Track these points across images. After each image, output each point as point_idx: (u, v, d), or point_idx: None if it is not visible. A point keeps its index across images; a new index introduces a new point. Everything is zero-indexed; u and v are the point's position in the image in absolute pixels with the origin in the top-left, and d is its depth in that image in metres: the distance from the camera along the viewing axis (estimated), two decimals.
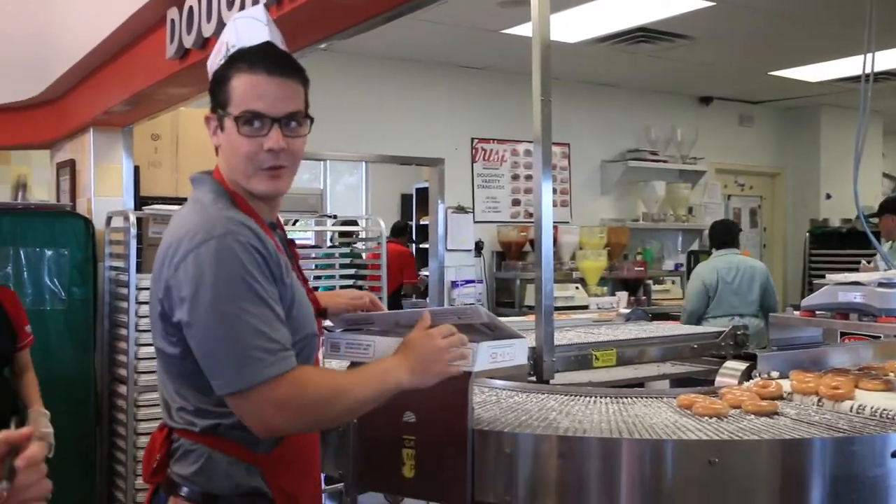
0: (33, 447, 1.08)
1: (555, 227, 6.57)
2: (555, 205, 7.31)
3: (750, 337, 3.01)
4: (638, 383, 2.81)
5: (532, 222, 3.10)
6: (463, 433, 1.72)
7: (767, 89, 8.05)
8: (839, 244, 7.72)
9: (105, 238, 4.37)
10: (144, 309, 3.96)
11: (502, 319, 1.81)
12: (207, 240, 1.53)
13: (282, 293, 1.59)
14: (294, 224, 5.17)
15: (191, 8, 2.91)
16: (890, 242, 5.45)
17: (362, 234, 4.99)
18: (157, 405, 4.02)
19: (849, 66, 6.66)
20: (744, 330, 2.94)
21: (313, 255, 4.49)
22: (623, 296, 6.73)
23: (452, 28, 5.81)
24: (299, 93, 1.66)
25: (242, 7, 2.57)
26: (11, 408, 3.22)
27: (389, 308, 2.44)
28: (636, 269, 7.25)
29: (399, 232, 8.20)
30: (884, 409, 1.78)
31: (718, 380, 2.22)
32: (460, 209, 6.91)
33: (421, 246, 8.42)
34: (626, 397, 2.07)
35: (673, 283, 7.75)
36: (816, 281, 2.41)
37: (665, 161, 7.92)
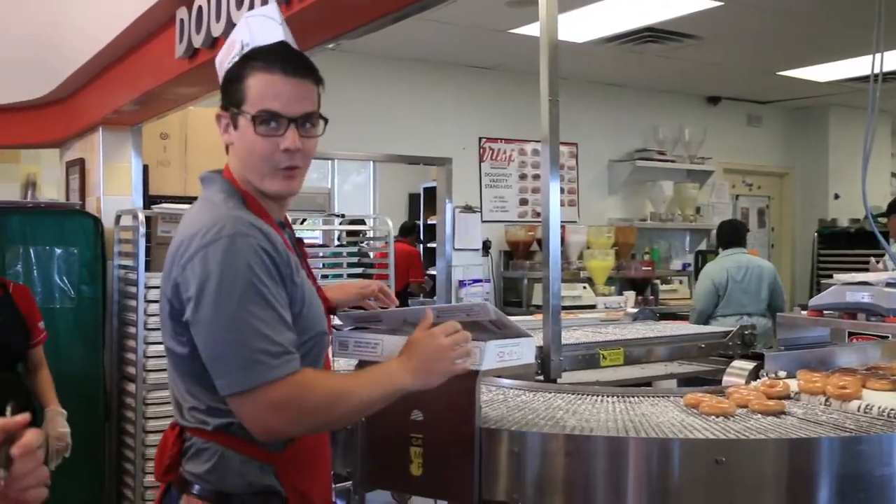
0: (28, 435, 1.08)
1: (562, 227, 6.55)
2: (562, 204, 7.29)
3: (757, 336, 3.01)
4: (645, 383, 2.81)
5: (540, 222, 3.11)
6: (470, 432, 1.72)
7: (776, 89, 8.04)
8: (847, 244, 7.71)
9: (114, 237, 4.39)
10: (153, 307, 3.97)
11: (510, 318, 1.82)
12: (216, 240, 1.53)
13: (292, 293, 1.59)
14: (302, 223, 5.19)
15: (200, 7, 2.92)
16: None
17: (370, 234, 5.01)
18: (166, 403, 4.04)
19: (857, 66, 6.65)
20: (751, 329, 2.94)
21: (321, 254, 4.51)
22: (630, 295, 6.73)
23: (460, 28, 5.82)
24: (314, 93, 1.66)
25: (252, 6, 2.58)
26: (25, 405, 3.24)
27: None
28: (644, 268, 7.24)
29: (407, 231, 8.21)
30: (891, 409, 1.78)
31: (726, 379, 2.21)
32: (468, 208, 6.91)
33: (429, 245, 8.42)
34: (633, 396, 2.07)
35: (680, 282, 7.74)
36: (824, 281, 2.41)
37: (673, 161, 7.92)
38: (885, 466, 1.65)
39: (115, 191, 4.57)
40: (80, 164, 4.84)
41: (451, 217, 6.81)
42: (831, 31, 5.93)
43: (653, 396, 2.07)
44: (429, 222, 8.51)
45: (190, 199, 3.09)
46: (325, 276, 4.36)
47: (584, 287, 6.79)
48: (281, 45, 1.72)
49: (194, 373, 1.60)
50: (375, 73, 6.48)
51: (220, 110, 1.69)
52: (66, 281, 4.28)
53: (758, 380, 2.13)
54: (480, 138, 7.08)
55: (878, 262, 3.97)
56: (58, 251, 4.28)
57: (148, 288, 3.97)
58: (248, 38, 1.71)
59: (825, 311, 2.39)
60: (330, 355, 1.84)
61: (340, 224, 4.85)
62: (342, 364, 2.09)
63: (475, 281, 6.78)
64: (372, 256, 4.87)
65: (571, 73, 6.87)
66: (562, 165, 7.17)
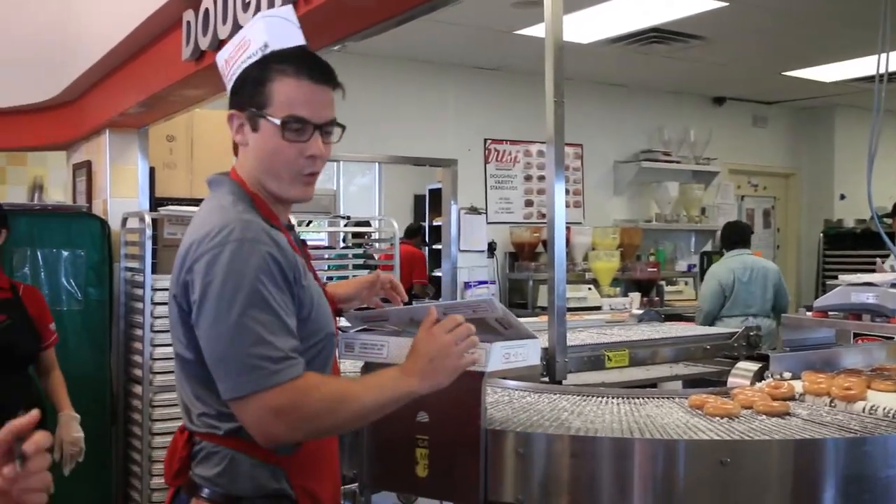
0: (38, 434, 1.09)
1: (567, 228, 6.60)
2: (568, 205, 7.32)
3: (763, 338, 3.01)
4: (651, 384, 2.81)
5: (545, 223, 3.12)
6: (476, 433, 1.73)
7: (781, 89, 8.03)
8: (853, 245, 7.69)
9: (121, 239, 4.40)
10: (160, 309, 3.98)
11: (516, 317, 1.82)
12: (224, 243, 1.53)
13: (300, 296, 1.59)
14: (308, 225, 5.20)
15: (206, 10, 2.93)
16: None
17: (375, 235, 5.02)
18: (173, 405, 4.05)
19: (863, 66, 6.64)
20: (757, 331, 2.94)
21: (326, 256, 4.52)
22: (636, 296, 6.72)
23: (466, 29, 5.82)
24: (334, 100, 1.68)
25: (258, 9, 2.59)
26: (40, 406, 3.22)
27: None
28: (649, 269, 7.24)
29: (412, 233, 8.22)
30: None
31: (731, 380, 2.22)
32: (473, 210, 6.92)
33: (434, 247, 8.43)
34: (638, 398, 2.07)
35: (686, 283, 7.74)
36: (830, 282, 2.41)
37: (678, 162, 7.91)
38: (890, 468, 1.65)
39: (121, 193, 4.58)
40: (87, 166, 4.86)
41: (456, 218, 6.82)
42: (837, 31, 5.92)
43: (658, 398, 2.08)
44: (434, 224, 8.52)
45: (196, 202, 3.09)
46: (329, 278, 4.37)
47: (590, 288, 6.79)
48: (306, 51, 1.72)
49: (203, 377, 1.60)
50: (381, 74, 6.49)
51: (233, 110, 1.67)
52: (74, 283, 4.30)
53: (763, 381, 2.14)
54: (486, 140, 7.08)
55: (883, 262, 3.97)
56: (65, 253, 4.29)
57: (154, 290, 3.99)
58: (266, 40, 1.69)
59: (830, 312, 2.39)
60: (337, 356, 1.85)
61: (346, 226, 4.87)
62: (349, 366, 2.10)
63: (480, 282, 6.78)
64: (377, 258, 4.88)
65: (577, 73, 6.87)
66: (567, 167, 7.17)
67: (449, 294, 6.75)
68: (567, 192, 6.85)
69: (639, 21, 5.69)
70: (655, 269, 7.27)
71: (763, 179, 8.98)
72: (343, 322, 1.96)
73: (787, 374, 2.17)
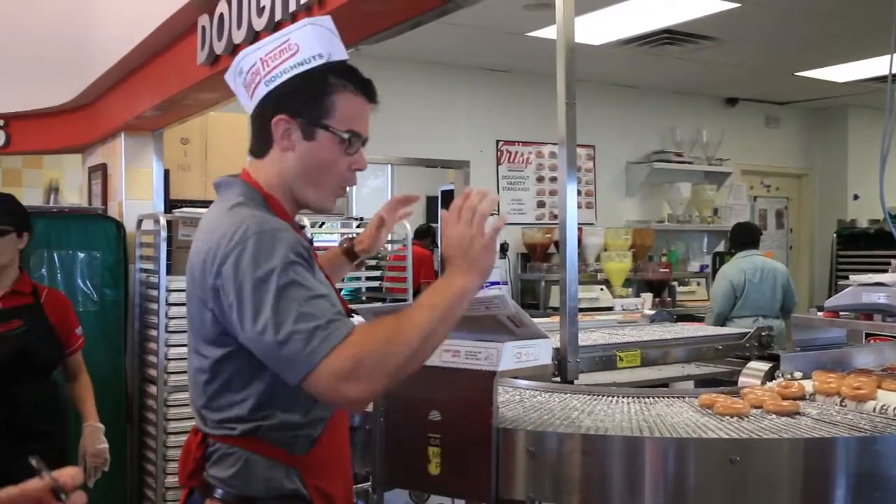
0: (78, 496, 1.08)
1: (580, 229, 6.60)
2: (580, 206, 7.33)
3: (774, 338, 3.01)
4: (662, 384, 2.82)
5: (557, 224, 3.13)
6: (488, 431, 1.75)
7: (794, 90, 8.01)
8: (867, 245, 7.66)
9: (136, 240, 4.44)
10: (174, 310, 4.02)
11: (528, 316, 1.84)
12: (244, 241, 1.53)
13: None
14: (321, 226, 5.22)
15: (221, 15, 2.96)
16: None
17: (387, 237, 5.04)
18: (187, 405, 4.07)
19: (876, 66, 6.62)
20: (769, 331, 2.94)
21: None
22: (648, 297, 6.71)
23: (478, 31, 5.85)
24: None
25: (272, 16, 2.62)
26: (60, 413, 3.20)
27: None
28: (661, 270, 7.24)
29: (422, 234, 8.24)
30: None
31: (741, 380, 2.22)
32: None
33: None
34: (648, 397, 2.09)
35: (698, 284, 7.73)
36: (843, 282, 2.41)
37: (690, 162, 7.91)
38: None
39: (136, 195, 4.62)
40: (103, 169, 4.91)
41: None
42: (849, 31, 5.91)
43: (668, 397, 2.09)
44: None
45: (210, 203, 3.15)
46: (341, 280, 4.39)
47: (602, 289, 6.80)
48: (355, 68, 1.74)
49: (223, 378, 1.61)
50: (393, 76, 6.51)
51: (283, 115, 1.66)
52: (90, 284, 4.34)
53: (773, 381, 2.14)
54: (498, 141, 7.10)
55: None
56: (81, 255, 4.33)
57: (169, 291, 4.03)
58: (320, 50, 1.68)
59: (841, 313, 2.39)
60: None
61: (358, 227, 4.89)
62: None
63: (493, 283, 6.79)
64: (388, 259, 4.90)
65: (589, 75, 6.88)
66: (579, 168, 7.18)
67: None
68: (579, 193, 6.88)
69: (651, 23, 5.69)
70: (667, 270, 7.27)
71: (776, 180, 8.96)
72: (358, 319, 1.98)
73: (797, 374, 2.17)
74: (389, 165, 8.72)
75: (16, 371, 3.05)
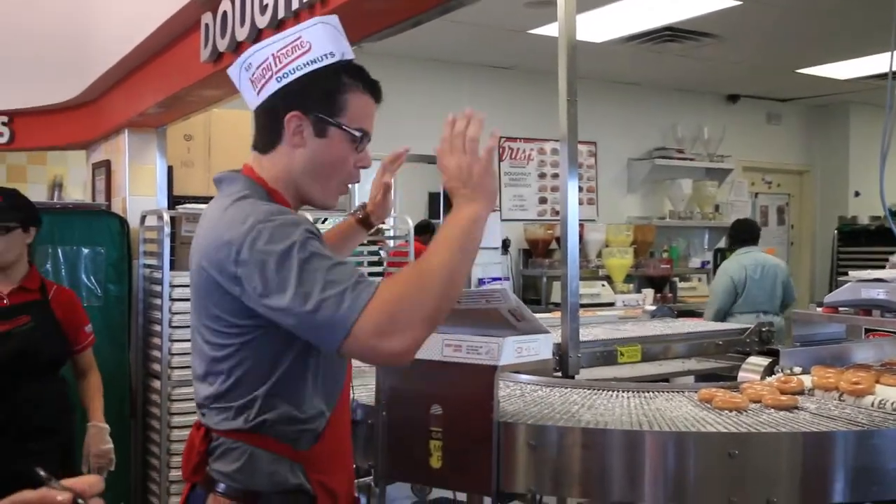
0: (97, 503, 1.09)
1: (581, 225, 6.62)
2: (581, 203, 7.35)
3: (775, 334, 3.02)
4: (663, 379, 2.83)
5: (559, 220, 3.15)
6: (488, 425, 1.76)
7: (795, 87, 8.02)
8: (868, 241, 7.68)
9: (139, 236, 4.46)
10: (178, 306, 4.04)
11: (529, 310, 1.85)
12: (254, 226, 1.53)
13: None
14: (323, 222, 5.24)
15: (224, 13, 2.98)
16: None
17: (390, 233, 5.06)
18: (190, 400, 4.07)
19: (877, 63, 6.63)
20: (769, 327, 2.96)
21: None
22: (649, 293, 6.75)
23: (480, 29, 5.86)
24: None
25: (275, 14, 2.64)
26: (66, 410, 3.18)
27: None
28: (662, 266, 7.26)
29: (422, 230, 8.25)
30: None
31: (741, 375, 2.23)
32: None
33: None
34: (648, 392, 2.10)
35: (699, 280, 7.76)
36: (844, 279, 2.42)
37: (692, 159, 7.92)
38: None
39: (140, 191, 4.64)
40: (106, 165, 4.92)
41: None
42: (850, 29, 5.92)
43: (667, 392, 2.10)
44: None
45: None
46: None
47: (603, 285, 6.82)
48: (363, 68, 1.76)
49: (240, 371, 1.61)
50: (395, 73, 6.53)
51: (296, 111, 1.67)
52: (94, 280, 4.36)
53: (773, 376, 2.16)
54: (500, 138, 7.10)
55: None
56: (85, 251, 4.35)
57: (172, 286, 4.05)
58: (332, 49, 1.70)
59: (840, 308, 2.40)
60: None
61: None
62: None
63: (494, 279, 6.82)
64: (389, 255, 4.92)
65: (591, 72, 6.89)
66: (581, 164, 7.20)
67: None
68: (581, 189, 6.90)
69: (652, 20, 5.71)
70: (668, 266, 7.29)
71: (777, 176, 8.97)
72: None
73: (797, 369, 2.18)
74: None
75: (22, 368, 3.03)
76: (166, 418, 4.05)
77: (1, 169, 6.64)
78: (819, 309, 2.49)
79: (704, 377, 2.86)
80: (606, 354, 2.53)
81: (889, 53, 2.54)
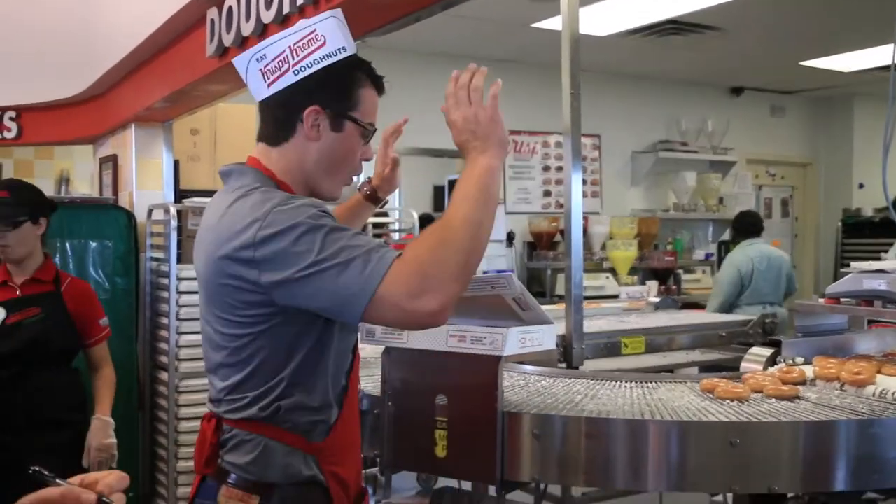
0: (119, 498, 1.10)
1: (585, 218, 6.63)
2: (585, 195, 7.34)
3: (778, 325, 3.04)
4: (667, 370, 2.84)
5: (563, 213, 3.16)
6: (493, 415, 1.77)
7: (799, 79, 8.02)
8: (872, 233, 7.68)
9: (146, 230, 4.49)
10: (185, 298, 4.07)
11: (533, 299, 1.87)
12: (268, 212, 1.53)
13: None
14: None
15: (230, 8, 2.99)
16: None
17: (395, 226, 5.08)
18: (198, 391, 4.10)
19: (881, 55, 6.63)
20: (772, 318, 2.97)
21: None
22: (653, 285, 6.74)
23: (483, 22, 5.87)
24: None
25: (280, 9, 2.66)
26: (78, 402, 3.17)
27: None
28: (666, 258, 7.27)
29: (427, 223, 8.27)
30: None
31: (744, 366, 2.25)
32: None
33: None
34: (651, 382, 2.11)
35: (703, 272, 7.76)
36: (845, 270, 2.43)
37: (696, 152, 7.93)
38: None
39: (146, 185, 4.66)
40: (113, 159, 4.95)
41: None
42: (855, 21, 5.91)
43: (670, 382, 2.12)
44: None
45: None
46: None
47: (607, 277, 6.83)
48: (370, 62, 1.78)
49: (249, 361, 1.62)
50: (400, 68, 6.53)
51: (314, 105, 1.68)
52: (102, 273, 4.39)
53: (775, 366, 2.17)
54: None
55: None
56: (93, 244, 4.39)
57: (179, 279, 4.08)
58: (344, 44, 1.71)
59: (842, 299, 2.42)
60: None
61: None
62: (369, 352, 2.16)
63: (499, 271, 6.82)
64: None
65: (594, 65, 6.89)
66: (584, 157, 7.20)
67: None
68: (585, 182, 6.90)
69: (656, 13, 5.71)
70: (673, 258, 7.30)
71: (781, 169, 8.97)
72: None
73: (799, 360, 2.19)
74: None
75: (33, 357, 3.04)
76: (174, 410, 4.08)
77: (8, 163, 6.67)
78: (821, 300, 2.51)
79: (708, 368, 2.88)
80: (610, 346, 2.55)
81: (892, 45, 2.54)
